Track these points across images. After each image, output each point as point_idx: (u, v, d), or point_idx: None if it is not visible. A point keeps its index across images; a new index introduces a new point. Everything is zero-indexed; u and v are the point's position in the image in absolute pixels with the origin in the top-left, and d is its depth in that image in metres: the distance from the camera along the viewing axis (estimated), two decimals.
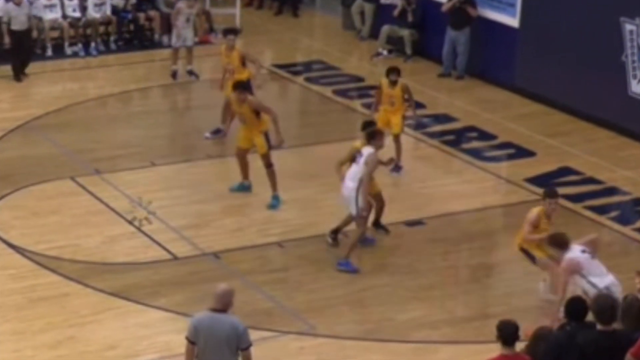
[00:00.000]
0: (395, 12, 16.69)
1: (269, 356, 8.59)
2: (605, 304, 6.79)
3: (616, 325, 6.81)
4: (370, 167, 10.14)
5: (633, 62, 13.59)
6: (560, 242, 8.94)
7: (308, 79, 15.84)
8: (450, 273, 10.39)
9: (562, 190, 12.07)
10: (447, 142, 13.56)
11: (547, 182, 12.34)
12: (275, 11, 19.11)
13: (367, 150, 10.23)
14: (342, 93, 15.25)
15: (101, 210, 11.31)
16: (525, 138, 13.58)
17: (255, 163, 11.65)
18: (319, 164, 12.45)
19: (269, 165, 11.37)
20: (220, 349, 7.01)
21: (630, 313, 7.00)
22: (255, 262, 10.38)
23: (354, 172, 10.17)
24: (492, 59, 15.38)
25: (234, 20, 18.05)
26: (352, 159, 10.31)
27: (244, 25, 18.01)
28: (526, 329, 7.51)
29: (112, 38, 16.87)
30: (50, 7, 16.41)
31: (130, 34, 17.14)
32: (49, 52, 16.26)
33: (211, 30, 17.61)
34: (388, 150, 11.64)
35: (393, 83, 12.40)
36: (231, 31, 13.51)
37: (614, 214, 11.68)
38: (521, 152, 13.25)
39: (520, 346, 6.89)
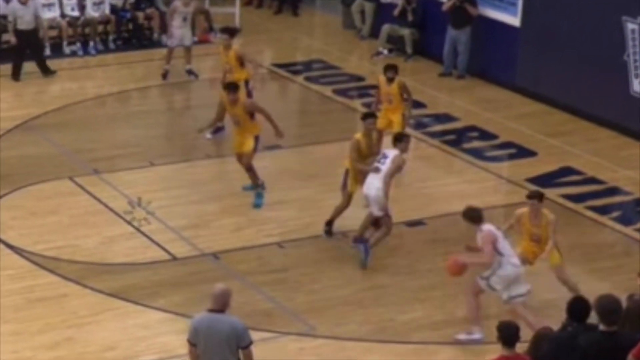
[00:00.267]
0: (396, 12, 16.67)
1: (269, 357, 8.56)
2: (609, 305, 6.77)
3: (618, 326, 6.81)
4: (396, 166, 10.26)
5: (635, 61, 13.55)
6: (475, 216, 9.06)
7: (308, 79, 15.82)
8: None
9: (563, 191, 12.16)
10: (448, 142, 13.55)
11: (549, 182, 12.37)
12: (275, 10, 19.09)
13: (392, 152, 10.36)
14: (342, 92, 15.23)
15: (100, 210, 11.29)
16: (526, 138, 13.57)
17: (256, 163, 11.59)
18: (319, 163, 12.44)
19: (249, 168, 11.33)
20: (221, 349, 7.03)
21: (632, 314, 7.01)
22: (255, 263, 10.36)
23: (381, 174, 10.23)
24: (493, 58, 15.37)
25: (233, 19, 18.03)
26: (364, 156, 10.38)
27: (244, 24, 17.99)
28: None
29: (110, 37, 16.84)
30: (49, 6, 16.38)
31: (129, 33, 17.11)
32: (47, 51, 16.19)
33: (210, 29, 17.58)
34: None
35: (390, 80, 12.36)
36: (226, 31, 13.45)
37: (615, 214, 11.66)
38: (522, 152, 13.24)
39: (521, 347, 6.88)
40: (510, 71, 15.03)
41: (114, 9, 16.97)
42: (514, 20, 15.10)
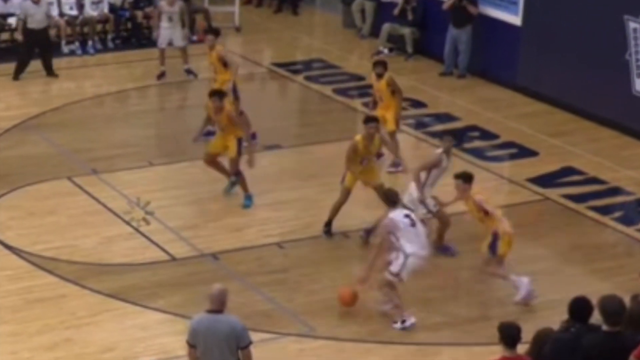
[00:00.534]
0: (396, 11, 16.65)
1: (268, 358, 8.54)
2: (613, 305, 6.75)
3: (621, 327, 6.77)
4: (427, 164, 10.36)
5: (637, 60, 13.52)
6: (389, 199, 9.21)
7: (308, 78, 15.80)
8: (451, 274, 10.30)
9: (565, 191, 12.14)
10: None
11: (550, 182, 12.36)
12: (275, 9, 19.07)
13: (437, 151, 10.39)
14: (343, 92, 15.21)
15: (98, 210, 11.27)
16: (527, 137, 13.55)
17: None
18: (319, 163, 12.40)
19: (236, 173, 11.27)
20: (221, 350, 7.02)
21: (636, 314, 6.94)
22: (255, 263, 10.33)
23: (433, 177, 10.29)
24: (494, 57, 15.35)
25: (233, 18, 17.98)
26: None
27: (243, 23, 17.98)
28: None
29: (109, 36, 16.83)
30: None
31: (128, 32, 17.10)
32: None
33: (210, 28, 17.50)
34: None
35: (379, 77, 12.32)
36: (210, 31, 13.48)
37: (617, 214, 11.63)
38: (523, 152, 13.23)
39: (522, 348, 6.85)
40: (511, 70, 15.01)
41: (112, 8, 16.95)
42: (515, 19, 15.08)
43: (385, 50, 16.67)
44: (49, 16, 15.33)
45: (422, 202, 10.32)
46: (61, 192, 11.65)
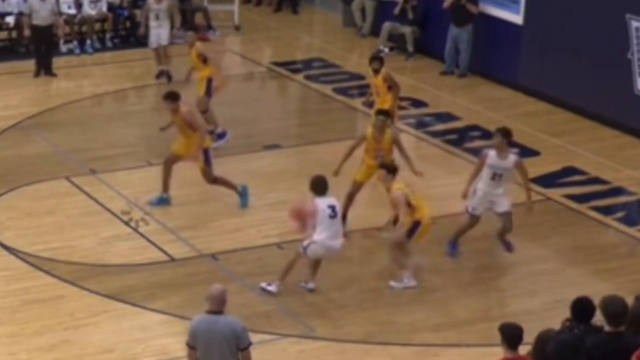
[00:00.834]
0: (396, 10, 16.60)
1: (268, 359, 8.48)
2: (616, 306, 6.71)
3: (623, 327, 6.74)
4: (524, 170, 10.32)
5: (639, 59, 13.45)
6: (317, 188, 9.41)
7: (308, 77, 15.78)
8: (452, 275, 10.30)
9: (566, 191, 12.17)
10: (449, 142, 13.50)
11: (552, 182, 12.33)
12: (275, 8, 19.04)
13: (490, 152, 10.24)
14: (343, 91, 15.18)
15: (97, 210, 11.24)
16: (529, 137, 13.50)
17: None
18: (319, 163, 12.34)
19: (213, 180, 11.11)
20: (221, 351, 7.00)
21: (638, 315, 6.88)
22: (254, 264, 10.30)
23: (487, 174, 10.20)
24: (495, 56, 15.33)
25: (232, 17, 17.94)
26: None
27: (243, 22, 17.95)
28: None
29: (108, 35, 16.81)
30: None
31: (127, 31, 17.04)
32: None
33: (209, 27, 17.49)
34: None
35: (375, 72, 12.29)
36: (191, 28, 13.48)
37: (619, 214, 11.61)
38: (525, 152, 13.14)
39: (523, 349, 6.81)
40: (512, 70, 14.99)
41: (111, 6, 16.93)
42: (516, 18, 15.06)
43: (386, 50, 16.64)
44: (54, 13, 15.30)
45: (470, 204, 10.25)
46: (59, 192, 11.63)
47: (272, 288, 9.66)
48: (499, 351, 6.76)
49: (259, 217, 11.21)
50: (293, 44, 17.42)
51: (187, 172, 12.19)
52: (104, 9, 16.78)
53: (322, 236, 9.42)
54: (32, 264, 10.12)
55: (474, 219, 10.43)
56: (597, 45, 13.81)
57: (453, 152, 13.21)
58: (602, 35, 13.74)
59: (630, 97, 13.52)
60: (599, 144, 13.30)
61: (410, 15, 16.51)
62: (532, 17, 14.82)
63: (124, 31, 17.02)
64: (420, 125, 13.84)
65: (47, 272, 9.97)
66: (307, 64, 16.44)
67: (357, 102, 14.69)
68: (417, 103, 14.61)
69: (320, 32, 18.27)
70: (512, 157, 10.26)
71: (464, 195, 10.39)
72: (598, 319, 6.75)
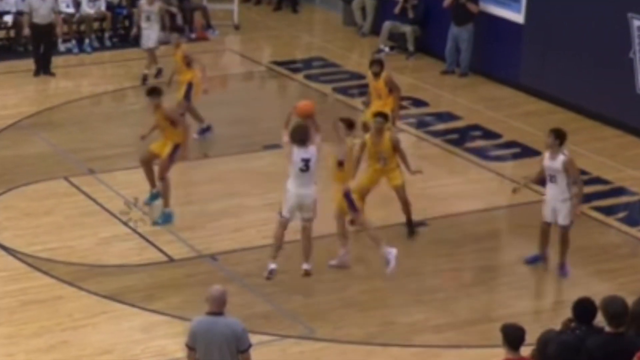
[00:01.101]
0: (396, 9, 16.56)
1: None
2: (616, 307, 6.68)
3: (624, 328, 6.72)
4: (573, 171, 9.98)
5: None
6: (297, 137, 9.50)
7: (308, 76, 15.75)
8: (453, 275, 10.27)
9: None
10: (450, 141, 13.45)
11: None
12: (274, 7, 19.01)
13: (560, 158, 9.97)
14: (343, 91, 15.10)
15: (95, 211, 11.21)
16: (530, 137, 13.47)
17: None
18: (319, 163, 12.22)
19: (162, 177, 10.99)
20: (221, 352, 6.97)
21: (639, 316, 6.84)
22: (254, 264, 10.25)
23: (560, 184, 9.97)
24: (496, 55, 15.30)
25: (232, 16, 17.90)
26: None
27: (242, 21, 17.91)
28: None
29: (106, 34, 16.78)
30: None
31: (126, 30, 16.97)
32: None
33: (208, 26, 17.44)
34: None
35: (376, 75, 12.25)
36: (176, 29, 13.42)
37: (621, 214, 11.57)
38: (526, 151, 13.17)
39: (525, 350, 6.77)
40: (513, 69, 14.95)
41: (109, 5, 16.89)
42: (517, 17, 15.03)
43: (386, 49, 16.60)
44: (54, 12, 15.27)
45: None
46: (58, 192, 11.59)
47: (272, 266, 9.71)
48: (501, 352, 6.74)
49: (259, 217, 11.16)
50: (293, 43, 17.39)
51: (186, 172, 12.18)
52: (103, 7, 16.74)
53: (292, 185, 9.63)
54: (30, 265, 10.09)
55: (547, 226, 10.16)
56: (598, 45, 13.77)
57: (454, 151, 13.18)
58: (603, 34, 13.71)
59: (631, 96, 13.48)
60: (600, 144, 13.27)
61: (411, 14, 16.46)
62: (533, 16, 14.78)
63: (122, 30, 16.98)
64: (420, 124, 13.81)
65: (45, 273, 9.94)
66: (307, 63, 16.41)
67: (358, 102, 14.66)
68: (418, 102, 14.58)
69: (320, 31, 18.24)
70: (560, 157, 9.96)
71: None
72: (600, 319, 6.73)
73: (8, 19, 16.17)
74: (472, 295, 9.85)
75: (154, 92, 11.11)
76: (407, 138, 12.96)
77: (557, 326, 6.99)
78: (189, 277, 9.96)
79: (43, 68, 15.20)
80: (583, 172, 12.56)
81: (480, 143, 13.37)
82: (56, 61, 15.64)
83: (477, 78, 15.50)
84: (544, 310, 9.46)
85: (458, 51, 15.68)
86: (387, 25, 16.64)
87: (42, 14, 15.00)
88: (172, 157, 10.96)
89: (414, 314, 9.46)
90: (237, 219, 11.11)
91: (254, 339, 7.33)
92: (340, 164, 9.93)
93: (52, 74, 15.23)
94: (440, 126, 13.87)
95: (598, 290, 8.49)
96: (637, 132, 13.44)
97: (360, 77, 15.57)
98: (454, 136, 13.60)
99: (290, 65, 16.15)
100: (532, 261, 10.24)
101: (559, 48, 14.31)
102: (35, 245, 10.41)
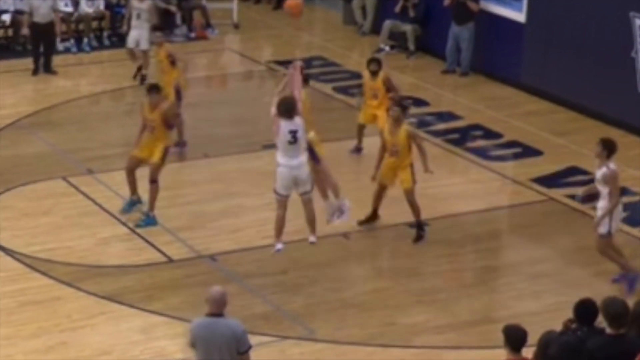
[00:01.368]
0: (397, 8, 16.52)
1: None
2: (617, 308, 6.67)
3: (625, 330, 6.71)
4: (611, 186, 9.80)
5: None
6: (283, 109, 9.53)
7: (307, 76, 15.59)
8: (454, 276, 10.25)
9: (570, 191, 12.06)
10: (451, 141, 13.42)
11: (555, 182, 12.30)
12: (274, 5, 18.95)
13: (605, 169, 9.80)
14: (343, 90, 15.07)
15: (94, 211, 11.17)
16: (531, 136, 13.46)
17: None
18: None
19: (154, 180, 10.88)
20: (221, 354, 6.95)
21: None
22: (253, 265, 10.24)
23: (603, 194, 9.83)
24: (497, 55, 15.27)
25: (231, 15, 17.86)
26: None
27: (242, 20, 17.87)
28: None
29: (105, 33, 16.74)
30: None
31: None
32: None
33: (208, 25, 17.40)
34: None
35: (373, 74, 12.20)
36: (159, 28, 13.35)
37: (623, 215, 11.40)
38: (528, 151, 13.15)
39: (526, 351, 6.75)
40: (515, 68, 14.92)
41: (108, 4, 16.83)
42: (519, 16, 14.99)
43: (387, 48, 16.56)
44: (55, 10, 15.24)
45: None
46: (56, 192, 11.56)
47: (279, 246, 9.76)
48: (502, 353, 6.72)
49: (258, 217, 11.12)
50: (293, 42, 17.34)
51: (185, 172, 12.13)
52: (101, 6, 16.73)
53: (283, 159, 9.63)
54: (28, 265, 10.05)
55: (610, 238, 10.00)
56: (600, 44, 13.74)
57: (454, 151, 13.15)
58: (605, 33, 13.68)
59: (634, 96, 13.45)
60: None
61: (412, 13, 16.42)
62: (535, 15, 14.75)
63: (121, 29, 16.90)
64: (421, 124, 13.76)
65: (43, 273, 9.91)
66: (307, 62, 16.30)
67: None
68: (418, 102, 14.54)
69: (320, 30, 18.19)
70: (603, 169, 9.77)
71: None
72: (600, 320, 6.72)
73: (6, 17, 16.14)
74: (473, 296, 9.82)
75: (154, 89, 11.01)
76: None
77: (558, 327, 6.98)
78: (188, 277, 9.93)
79: (45, 66, 15.16)
80: (584, 172, 12.60)
81: (481, 143, 13.35)
82: (55, 60, 15.58)
83: (478, 77, 15.47)
84: (545, 311, 9.39)
85: (459, 50, 15.64)
86: (387, 24, 16.59)
87: (42, 13, 14.99)
88: (163, 160, 10.86)
89: (414, 314, 9.43)
90: (237, 219, 11.08)
91: (253, 339, 7.31)
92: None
93: (54, 72, 15.18)
94: (441, 126, 13.84)
95: (600, 291, 8.48)
96: (639, 132, 13.42)
97: (361, 76, 15.50)
98: (455, 136, 13.56)
99: (290, 65, 16.11)
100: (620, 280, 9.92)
101: (560, 47, 14.28)
102: (34, 245, 10.38)
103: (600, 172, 9.79)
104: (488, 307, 9.67)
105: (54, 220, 10.92)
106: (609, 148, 9.77)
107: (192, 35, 16.98)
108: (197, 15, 17.52)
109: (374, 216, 10.85)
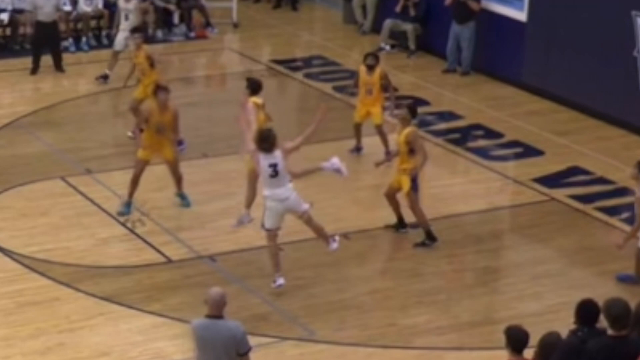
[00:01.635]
0: (398, 8, 16.47)
1: None
2: (619, 309, 6.65)
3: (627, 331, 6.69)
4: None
5: None
6: (262, 142, 9.45)
7: (308, 75, 15.69)
8: (455, 276, 10.23)
9: (571, 191, 12.18)
10: (452, 141, 13.39)
11: (556, 182, 12.30)
12: (274, 4, 18.96)
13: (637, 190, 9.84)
14: (343, 89, 14.99)
15: (93, 211, 11.16)
16: (533, 136, 13.43)
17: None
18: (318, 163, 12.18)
19: (179, 175, 11.03)
20: (220, 356, 6.93)
21: None
22: (253, 266, 10.22)
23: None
24: (498, 54, 15.24)
25: (231, 14, 17.85)
26: None
27: (241, 19, 17.83)
28: None
29: (104, 32, 16.66)
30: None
31: None
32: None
33: (207, 24, 17.36)
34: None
35: (370, 68, 12.14)
36: (137, 30, 13.30)
37: (625, 215, 11.45)
38: (529, 151, 13.13)
39: (528, 353, 6.74)
40: (516, 67, 14.88)
41: (107, 3, 16.78)
42: (520, 15, 14.96)
43: (387, 47, 16.53)
44: (58, 9, 15.21)
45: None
46: (54, 192, 11.54)
47: (280, 282, 9.59)
48: (503, 354, 6.70)
49: (258, 217, 11.04)
50: (292, 41, 17.33)
51: (184, 172, 12.06)
52: (100, 5, 16.67)
53: (269, 192, 9.53)
54: (26, 266, 10.04)
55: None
56: (602, 43, 13.70)
57: (455, 151, 13.12)
58: (607, 32, 13.64)
59: (636, 95, 13.42)
60: (604, 144, 13.21)
61: (412, 12, 16.37)
62: (537, 14, 14.72)
63: (110, 31, 16.84)
64: (422, 124, 13.66)
65: (42, 274, 9.89)
66: (307, 61, 16.33)
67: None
68: (419, 101, 14.48)
69: (320, 29, 18.17)
70: (637, 191, 9.88)
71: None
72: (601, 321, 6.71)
73: (4, 16, 16.09)
74: (474, 296, 9.80)
75: (164, 88, 10.99)
76: None
77: (560, 328, 6.95)
78: (187, 278, 9.91)
79: (54, 65, 15.09)
80: (587, 172, 12.59)
81: (482, 143, 13.32)
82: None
83: (479, 77, 15.44)
84: (546, 312, 9.37)
85: (459, 49, 15.60)
86: (388, 23, 16.55)
87: (46, 12, 14.97)
88: (177, 154, 11.09)
89: (415, 315, 9.40)
90: (236, 220, 11.01)
91: (253, 341, 7.29)
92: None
93: (63, 71, 15.13)
94: (442, 125, 13.81)
95: (601, 292, 8.47)
96: None
97: None
98: (456, 136, 13.53)
99: (290, 64, 16.09)
100: (624, 279, 9.97)
101: (562, 46, 14.25)
102: (32, 246, 10.37)
103: (637, 193, 9.84)
104: (489, 308, 9.65)
105: (52, 220, 10.91)
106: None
107: (192, 34, 16.92)
108: (196, 14, 17.48)
109: (400, 222, 10.72)
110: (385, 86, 12.40)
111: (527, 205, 11.48)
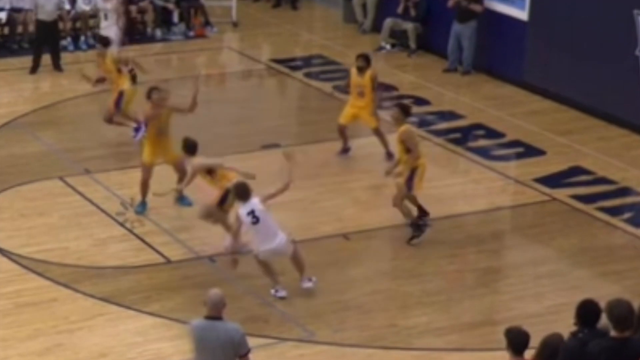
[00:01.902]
0: (399, 9, 16.42)
1: None
2: (622, 310, 6.56)
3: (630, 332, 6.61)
4: None
5: None
6: (238, 194, 9.46)
7: (307, 75, 15.67)
8: (456, 277, 10.19)
9: (573, 191, 12.16)
10: (452, 141, 13.36)
11: (558, 182, 12.29)
12: (274, 3, 18.93)
13: None
14: (343, 89, 14.95)
15: (91, 211, 11.14)
16: (534, 136, 13.40)
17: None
18: (319, 163, 12.19)
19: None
20: (219, 357, 6.92)
21: None
22: (252, 266, 10.10)
23: None
24: (500, 53, 15.22)
25: (230, 13, 17.81)
26: None
27: (241, 19, 17.78)
28: None
29: None
30: None
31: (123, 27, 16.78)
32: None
33: (207, 23, 17.32)
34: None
35: (361, 70, 12.09)
36: (101, 40, 13.39)
37: (627, 215, 11.47)
38: (530, 151, 13.10)
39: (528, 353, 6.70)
40: (517, 67, 14.85)
41: None
42: (521, 14, 14.94)
43: (388, 46, 16.49)
44: (60, 8, 15.20)
45: None
46: (53, 192, 11.53)
47: (282, 293, 9.54)
48: (504, 356, 6.67)
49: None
50: (292, 40, 17.30)
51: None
52: (98, 4, 16.56)
53: (262, 245, 9.42)
54: (24, 266, 10.03)
55: None
56: (604, 42, 13.67)
57: (456, 151, 13.09)
58: (609, 31, 13.61)
59: (638, 95, 13.38)
60: (606, 143, 13.18)
61: (413, 12, 16.33)
62: (538, 13, 14.68)
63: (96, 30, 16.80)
64: (422, 123, 13.70)
65: (40, 275, 9.88)
66: (307, 61, 16.30)
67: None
68: (420, 101, 14.49)
69: (320, 29, 18.14)
70: None
71: None
72: (605, 322, 6.62)
73: (2, 15, 16.06)
74: (475, 297, 9.78)
75: (157, 89, 11.00)
76: None
77: (561, 329, 6.89)
78: (186, 279, 9.89)
79: (53, 64, 15.07)
80: (588, 172, 12.56)
81: (483, 142, 13.29)
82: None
83: (480, 76, 15.41)
84: (547, 313, 9.35)
85: (460, 49, 15.57)
86: (388, 22, 16.51)
87: (48, 11, 14.98)
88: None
89: (415, 316, 9.38)
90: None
91: (252, 342, 7.27)
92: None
93: (61, 70, 15.11)
94: (443, 125, 13.78)
95: (603, 293, 8.42)
96: None
97: None
98: (457, 135, 13.50)
99: (290, 63, 16.06)
100: None
101: (563, 45, 14.22)
102: (30, 246, 10.36)
103: None
104: (490, 309, 9.63)
105: (50, 220, 10.89)
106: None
107: (191, 33, 16.88)
108: (195, 13, 17.43)
109: (422, 211, 10.65)
110: (374, 88, 12.33)
111: (528, 206, 11.47)
